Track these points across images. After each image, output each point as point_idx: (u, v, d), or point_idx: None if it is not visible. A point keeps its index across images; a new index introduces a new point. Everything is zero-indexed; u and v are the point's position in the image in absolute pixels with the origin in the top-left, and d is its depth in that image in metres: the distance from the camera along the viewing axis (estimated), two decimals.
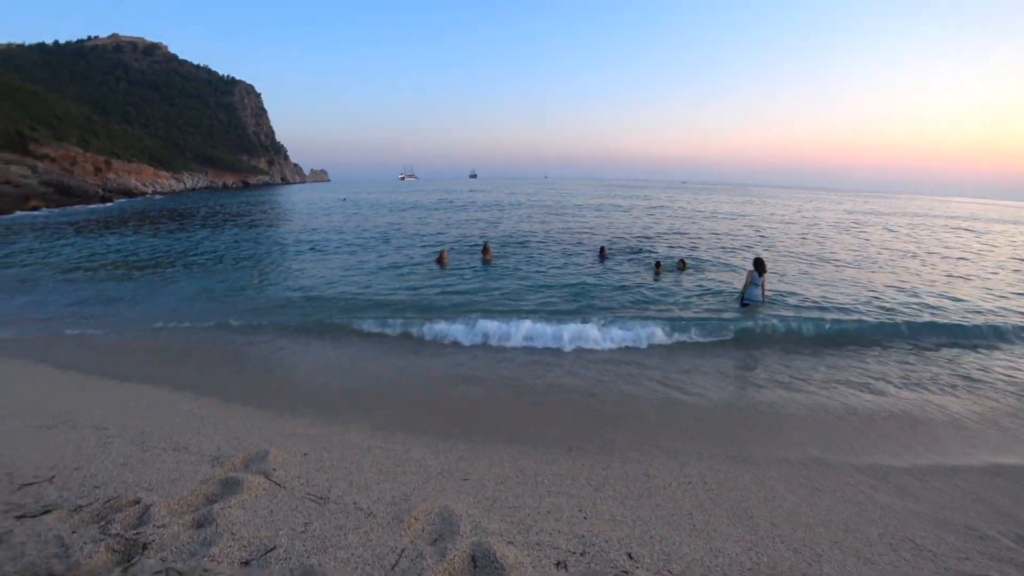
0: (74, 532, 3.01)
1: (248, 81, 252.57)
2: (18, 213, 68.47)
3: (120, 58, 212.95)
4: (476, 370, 7.23)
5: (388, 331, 8.70)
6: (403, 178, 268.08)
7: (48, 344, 8.91)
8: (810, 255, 18.15)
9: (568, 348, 7.92)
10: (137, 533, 2.94)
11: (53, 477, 3.79)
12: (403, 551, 2.86)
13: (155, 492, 3.43)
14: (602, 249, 16.79)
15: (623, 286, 12.37)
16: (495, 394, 6.35)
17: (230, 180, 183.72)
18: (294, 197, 79.56)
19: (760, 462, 4.73)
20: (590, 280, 13.15)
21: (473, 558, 2.86)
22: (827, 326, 9.37)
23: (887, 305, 11.38)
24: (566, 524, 3.41)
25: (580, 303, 10.86)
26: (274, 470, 3.79)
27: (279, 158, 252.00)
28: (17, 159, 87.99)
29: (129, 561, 2.75)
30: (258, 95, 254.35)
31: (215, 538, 2.90)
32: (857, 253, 19.43)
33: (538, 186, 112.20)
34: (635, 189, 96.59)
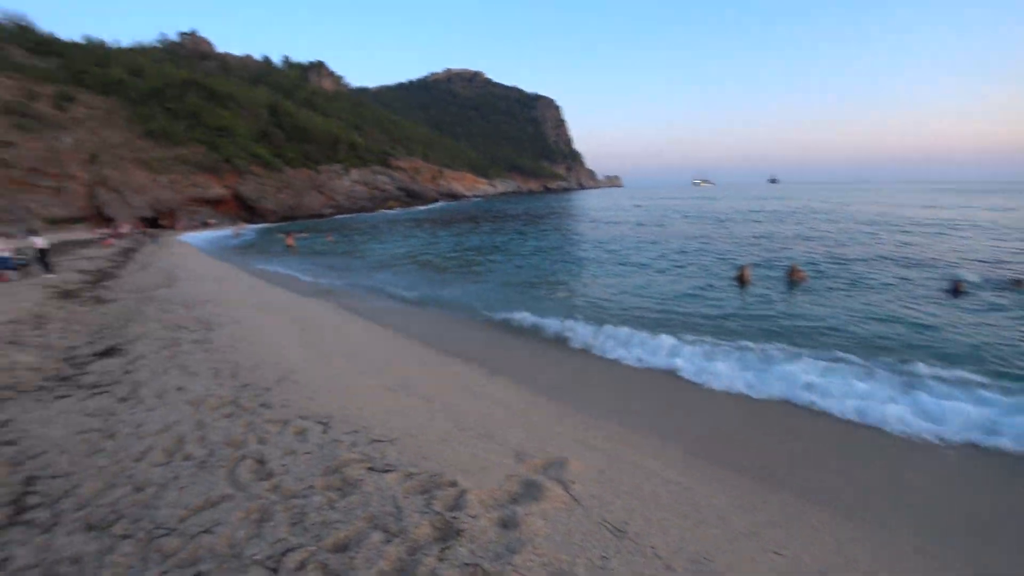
0: (406, 497, 3.38)
1: (549, 95, 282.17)
2: (381, 212, 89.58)
3: (450, 87, 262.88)
4: (786, 415, 6.12)
5: (685, 354, 8.03)
6: (697, 184, 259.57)
7: (395, 315, 11.07)
8: None
9: (912, 424, 5.91)
10: (453, 517, 3.12)
11: (395, 439, 4.42)
12: None
13: (468, 478, 3.66)
14: (956, 284, 12.48)
15: (997, 337, 8.99)
16: (813, 448, 5.23)
17: (534, 185, 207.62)
18: (589, 201, 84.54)
19: None
20: (940, 322, 9.76)
21: None
22: None
23: None
24: None
25: (929, 355, 7.99)
26: (572, 482, 3.70)
27: (576, 164, 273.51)
28: (383, 171, 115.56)
29: (445, 543, 2.93)
30: (558, 107, 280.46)
31: (518, 545, 2.88)
32: None
33: (853, 191, 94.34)
34: (994, 194, 71.98)
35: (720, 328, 9.68)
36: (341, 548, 2.94)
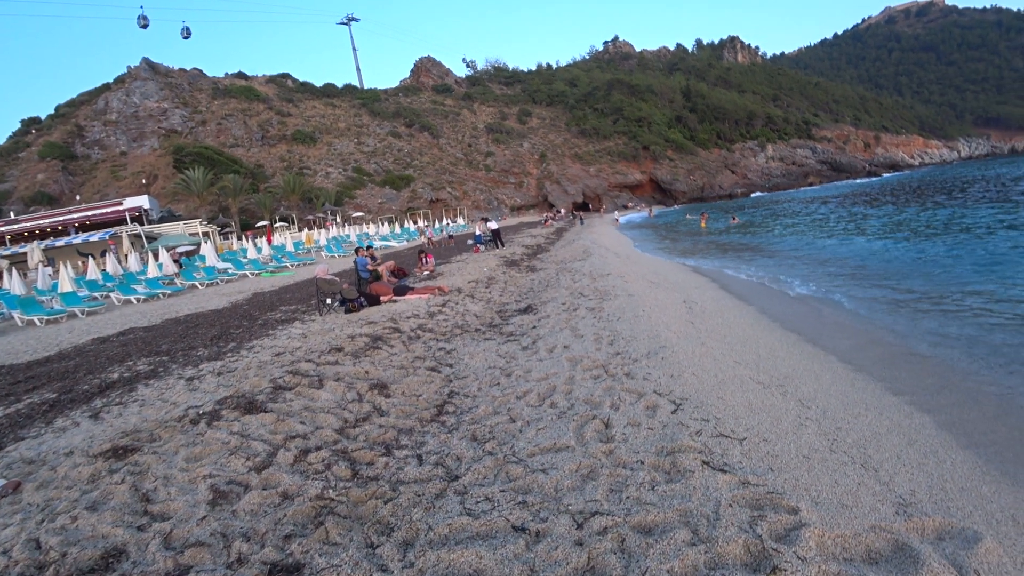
0: (730, 506, 2.97)
1: None
2: (799, 188, 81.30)
3: (892, 29, 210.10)
4: None
5: None
6: None
7: (794, 308, 9.84)
8: None
9: None
10: (776, 549, 2.57)
11: (744, 439, 3.93)
12: None
13: (817, 510, 2.95)
14: None
15: None
16: None
17: (1022, 143, 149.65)
18: None
19: None
20: None
21: None
22: None
23: None
24: None
25: None
26: (976, 573, 2.51)
27: None
28: (802, 143, 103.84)
29: (754, 573, 2.45)
30: None
31: None
32: None
33: None
34: None
35: None
36: (644, 530, 2.83)
